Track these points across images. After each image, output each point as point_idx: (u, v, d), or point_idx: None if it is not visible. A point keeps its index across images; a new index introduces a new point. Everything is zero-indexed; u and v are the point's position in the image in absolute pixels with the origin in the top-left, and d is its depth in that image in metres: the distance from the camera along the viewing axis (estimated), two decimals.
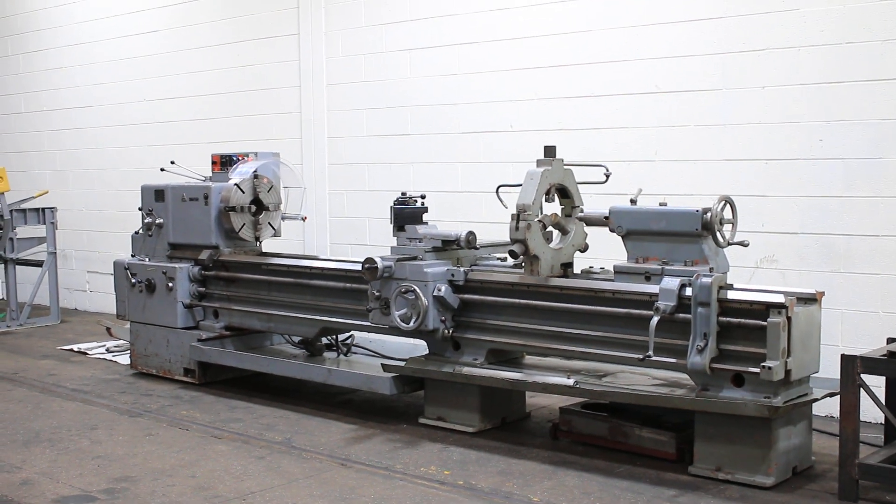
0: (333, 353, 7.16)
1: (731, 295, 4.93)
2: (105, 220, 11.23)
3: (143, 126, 10.72)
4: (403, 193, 6.36)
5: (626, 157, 6.94)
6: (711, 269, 5.03)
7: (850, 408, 4.66)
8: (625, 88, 7.02)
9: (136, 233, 7.96)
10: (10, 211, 10.19)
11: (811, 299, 4.98)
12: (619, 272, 5.37)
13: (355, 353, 7.15)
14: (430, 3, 8.15)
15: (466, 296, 5.90)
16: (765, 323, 4.74)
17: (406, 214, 6.22)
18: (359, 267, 6.10)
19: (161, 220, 7.66)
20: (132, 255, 7.96)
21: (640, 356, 5.07)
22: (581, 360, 5.73)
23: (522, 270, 5.73)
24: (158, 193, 7.69)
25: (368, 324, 6.28)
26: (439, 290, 5.83)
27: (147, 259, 7.76)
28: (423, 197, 6.35)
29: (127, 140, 10.92)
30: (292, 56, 9.16)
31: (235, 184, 7.33)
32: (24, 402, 7.04)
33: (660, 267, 5.20)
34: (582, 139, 7.19)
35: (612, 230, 5.40)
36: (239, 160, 7.55)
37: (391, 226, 6.24)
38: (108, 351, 8.82)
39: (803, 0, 6.19)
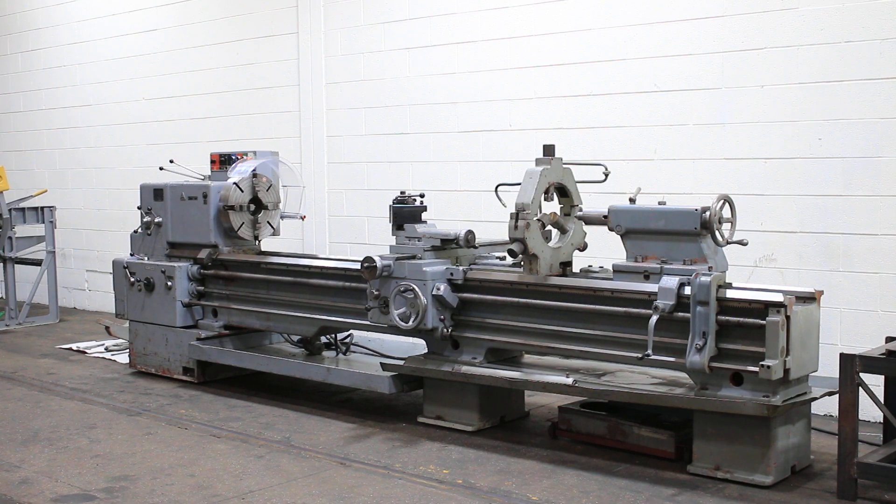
0: (332, 352, 7.16)
1: (730, 294, 4.93)
2: (104, 219, 11.23)
3: (141, 125, 10.72)
4: (402, 192, 6.36)
5: (625, 155, 6.94)
6: (710, 268, 5.03)
7: (848, 406, 4.66)
8: (624, 87, 7.02)
9: (135, 232, 7.95)
10: (9, 210, 10.19)
11: (810, 298, 4.98)
12: (618, 271, 5.37)
13: (354, 351, 7.15)
14: (429, 1, 8.14)
15: (465, 295, 5.89)
16: (764, 322, 4.74)
17: (405, 213, 6.22)
18: (358, 266, 6.10)
19: (160, 219, 7.66)
20: (131, 254, 7.96)
21: (639, 355, 5.07)
22: (580, 359, 5.73)
23: (521, 269, 5.73)
24: (157, 192, 7.69)
25: (367, 323, 6.28)
26: (438, 289, 5.82)
27: (146, 258, 7.76)
28: (421, 196, 6.35)
29: (126, 139, 10.92)
30: (291, 55, 9.16)
31: (234, 182, 7.32)
32: (22, 400, 7.03)
33: (659, 266, 5.20)
34: (581, 138, 7.19)
35: (610, 229, 5.40)
36: (238, 159, 7.55)
37: (390, 224, 6.24)
38: (106, 350, 8.81)
39: None
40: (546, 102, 7.47)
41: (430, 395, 6.14)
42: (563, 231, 5.86)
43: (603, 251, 5.98)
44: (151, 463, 5.49)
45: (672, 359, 5.06)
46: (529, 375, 5.66)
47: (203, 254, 7.40)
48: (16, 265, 10.48)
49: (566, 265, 5.78)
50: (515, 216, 5.54)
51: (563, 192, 5.86)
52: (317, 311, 6.70)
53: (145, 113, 10.68)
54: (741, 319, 4.86)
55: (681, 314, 4.98)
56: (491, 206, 6.39)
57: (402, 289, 5.90)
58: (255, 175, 7.41)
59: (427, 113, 8.22)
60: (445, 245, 6.06)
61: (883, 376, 5.07)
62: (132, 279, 7.70)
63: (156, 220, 7.68)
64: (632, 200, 5.40)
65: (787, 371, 4.75)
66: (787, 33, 6.26)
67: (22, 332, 10.02)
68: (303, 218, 7.82)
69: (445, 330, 5.90)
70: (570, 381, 5.43)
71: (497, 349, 5.92)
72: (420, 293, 5.82)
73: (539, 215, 5.59)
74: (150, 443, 5.90)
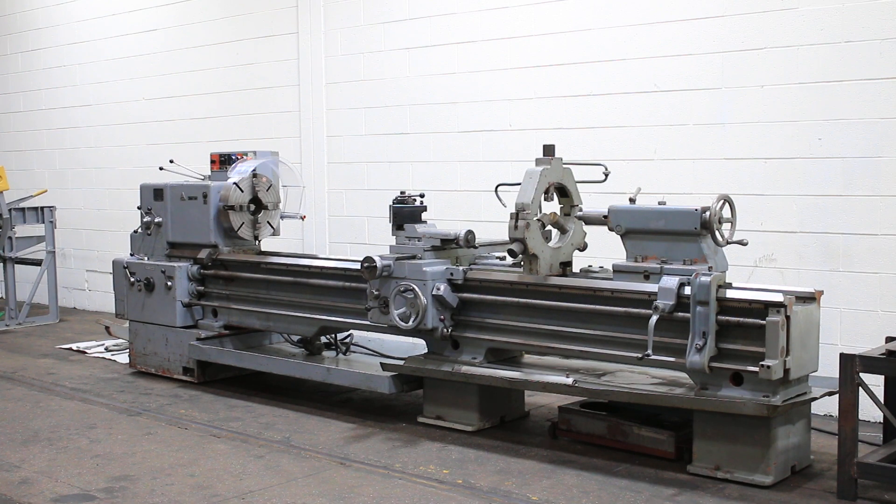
0: (332, 352, 7.16)
1: (730, 294, 4.93)
2: (104, 219, 11.23)
3: (141, 125, 10.72)
4: (402, 192, 6.35)
5: (625, 155, 6.94)
6: (710, 268, 5.03)
7: (848, 406, 4.66)
8: (624, 87, 7.02)
9: (135, 232, 7.95)
10: (9, 210, 10.19)
11: (810, 298, 4.98)
12: (618, 271, 5.37)
13: (354, 352, 7.15)
14: (428, 1, 8.14)
15: (465, 295, 5.89)
16: (763, 322, 4.74)
17: (405, 213, 6.22)
18: (358, 266, 6.10)
19: (160, 219, 7.66)
20: (131, 254, 7.96)
21: (639, 355, 5.07)
22: (580, 359, 5.73)
23: (521, 269, 5.73)
24: (157, 192, 7.69)
25: (367, 323, 6.28)
26: (438, 288, 5.82)
27: (146, 258, 7.76)
28: (421, 196, 6.35)
29: (126, 139, 10.92)
30: (291, 55, 9.16)
31: (234, 183, 7.32)
32: (22, 401, 7.03)
33: (659, 266, 5.20)
34: (581, 138, 7.19)
35: (610, 229, 5.40)
36: (238, 159, 7.55)
37: (390, 224, 6.24)
38: (106, 350, 8.81)
39: None
40: (546, 102, 7.47)
41: (430, 395, 6.14)
42: (563, 231, 5.86)
43: (603, 251, 5.98)
44: (151, 463, 5.49)
45: (672, 359, 5.06)
46: (529, 375, 5.66)
47: (203, 254, 7.40)
48: (16, 265, 10.48)
49: (566, 265, 5.78)
50: (515, 216, 5.54)
51: (563, 192, 5.86)
52: (317, 311, 6.70)
53: (145, 113, 10.68)
54: (741, 319, 4.86)
55: (681, 314, 4.98)
56: (491, 206, 6.39)
57: (402, 289, 5.90)
58: (255, 175, 7.41)
59: (427, 113, 8.22)
60: (445, 245, 6.06)
61: (883, 376, 5.07)
62: (132, 279, 7.70)
63: (156, 220, 7.68)
64: (632, 200, 5.40)
65: (787, 371, 4.75)
66: (787, 33, 6.25)
67: (22, 332, 10.02)
68: (303, 218, 7.82)
69: (445, 330, 5.89)
70: (570, 381, 5.43)
71: (497, 349, 5.92)
72: (420, 293, 5.82)
73: (539, 215, 5.59)
74: (150, 443, 5.90)
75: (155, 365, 7.66)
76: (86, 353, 8.83)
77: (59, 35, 11.64)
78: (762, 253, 6.37)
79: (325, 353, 7.14)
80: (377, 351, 6.97)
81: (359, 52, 8.66)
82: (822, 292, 5.09)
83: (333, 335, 7.13)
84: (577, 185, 5.88)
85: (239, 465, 5.41)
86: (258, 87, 9.50)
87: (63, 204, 11.23)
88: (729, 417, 4.93)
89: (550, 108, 7.44)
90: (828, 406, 5.65)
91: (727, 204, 5.17)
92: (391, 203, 6.25)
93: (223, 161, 7.59)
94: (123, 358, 8.31)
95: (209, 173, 7.66)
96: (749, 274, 6.38)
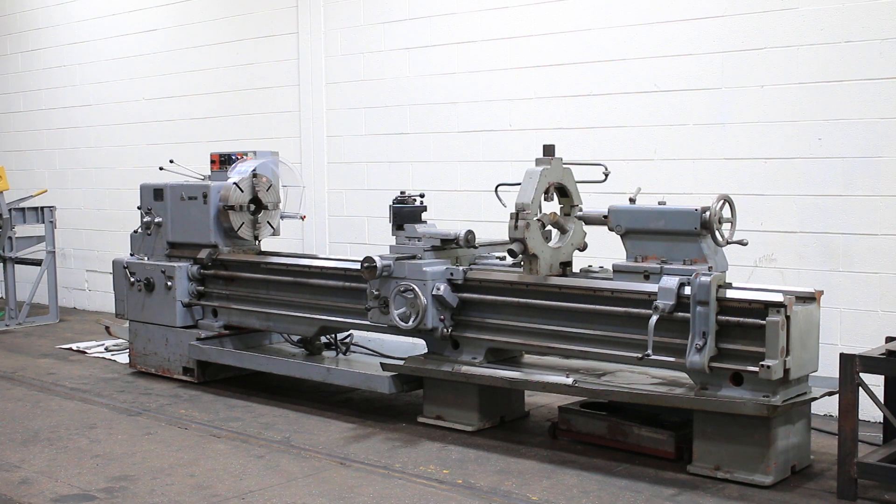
0: (332, 352, 7.16)
1: (730, 294, 4.93)
2: (104, 219, 11.23)
3: (141, 125, 10.72)
4: (402, 192, 6.36)
5: (625, 155, 6.94)
6: (710, 268, 5.03)
7: (848, 406, 4.66)
8: (624, 87, 7.02)
9: (135, 232, 7.95)
10: (9, 210, 10.19)
11: (810, 298, 4.98)
12: (618, 271, 5.37)
13: (354, 352, 7.15)
14: (429, 1, 8.14)
15: (465, 295, 5.89)
16: (763, 322, 4.74)
17: (405, 213, 6.22)
18: (358, 266, 6.10)
19: (160, 219, 7.66)
20: (131, 254, 7.96)
21: (639, 355, 5.07)
22: (580, 359, 5.73)
23: (521, 269, 5.73)
24: (157, 192, 7.69)
25: (367, 323, 6.28)
26: (438, 288, 5.82)
27: (146, 258, 7.76)
28: (421, 196, 6.35)
29: (126, 139, 10.92)
30: (291, 55, 9.16)
31: (234, 183, 7.32)
32: (22, 401, 7.03)
33: (659, 266, 5.20)
34: (581, 138, 7.19)
35: (610, 229, 5.40)
36: (238, 159, 7.55)
37: (390, 224, 6.24)
38: (106, 350, 8.81)
39: None
40: (546, 102, 7.47)
41: (430, 395, 6.14)
42: (563, 231, 5.86)
43: (603, 251, 5.98)
44: (151, 463, 5.49)
45: (672, 359, 5.06)
46: (529, 375, 5.66)
47: (203, 254, 7.40)
48: (16, 265, 10.48)
49: (566, 265, 5.78)
50: (515, 216, 5.54)
51: (563, 192, 5.86)
52: (317, 311, 6.70)
53: (145, 113, 10.68)
54: (741, 319, 4.86)
55: (681, 314, 4.98)
56: (491, 206, 6.39)
57: (402, 289, 5.90)
58: (255, 175, 7.41)
59: (427, 113, 8.22)
60: (445, 245, 6.06)
61: (883, 376, 5.07)
62: (132, 279, 7.70)
63: (156, 220, 7.68)
64: (632, 200, 5.40)
65: (787, 371, 4.75)
66: (787, 33, 6.26)
67: (22, 332, 10.02)
68: (303, 218, 7.82)
69: (445, 330, 5.89)
70: (570, 381, 5.43)
71: (497, 349, 5.92)
72: (420, 293, 5.82)
73: (539, 215, 5.60)
74: (150, 443, 5.90)
75: (155, 365, 7.66)
76: (86, 353, 8.83)
77: (59, 35, 11.64)
78: (762, 253, 6.37)
79: (325, 353, 7.14)
80: (377, 351, 6.97)
81: (359, 52, 8.67)
82: (822, 292, 5.09)
83: (333, 335, 7.13)
84: (577, 185, 5.88)
85: (239, 465, 5.41)
86: (258, 87, 9.50)
87: (63, 204, 11.23)
88: (729, 417, 4.93)
89: (550, 108, 7.44)
90: (828, 406, 5.65)
91: (727, 204, 5.17)
92: (391, 203, 6.25)
93: (223, 161, 7.60)
94: (123, 358, 8.31)
95: (209, 173, 7.67)
96: (749, 274, 6.38)
